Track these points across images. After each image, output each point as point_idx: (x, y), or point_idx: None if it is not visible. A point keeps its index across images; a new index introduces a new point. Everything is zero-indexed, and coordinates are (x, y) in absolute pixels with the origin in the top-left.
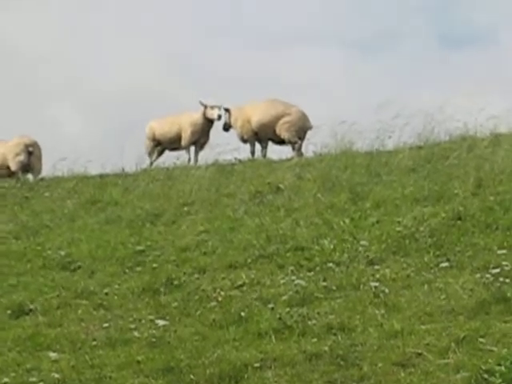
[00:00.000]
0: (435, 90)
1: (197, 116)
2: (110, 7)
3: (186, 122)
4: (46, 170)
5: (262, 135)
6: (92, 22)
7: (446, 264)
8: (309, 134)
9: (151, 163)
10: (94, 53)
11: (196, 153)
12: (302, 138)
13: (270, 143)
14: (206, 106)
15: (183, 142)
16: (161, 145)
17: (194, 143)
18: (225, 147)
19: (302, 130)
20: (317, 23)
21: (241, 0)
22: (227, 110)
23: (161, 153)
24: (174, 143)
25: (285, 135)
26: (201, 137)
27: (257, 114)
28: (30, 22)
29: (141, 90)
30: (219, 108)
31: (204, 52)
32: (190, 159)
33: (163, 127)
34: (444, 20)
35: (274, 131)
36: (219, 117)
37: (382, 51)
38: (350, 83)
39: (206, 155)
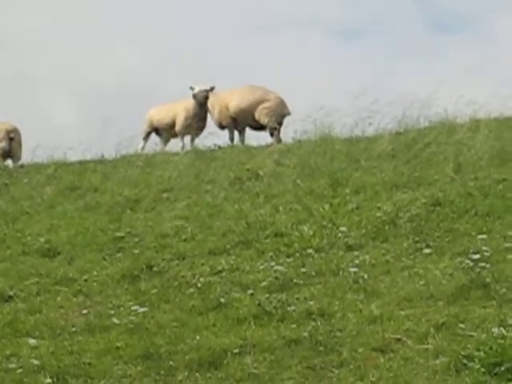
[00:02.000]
0: (419, 77)
1: (191, 102)
2: None
3: (180, 107)
4: (25, 156)
5: (241, 121)
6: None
7: (425, 250)
8: (288, 120)
9: (142, 148)
10: (89, 41)
11: (192, 139)
12: (280, 124)
13: (248, 129)
14: (193, 89)
15: (177, 128)
16: (158, 132)
17: (187, 129)
18: (204, 134)
19: (280, 116)
20: (299, 9)
21: None
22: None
23: (167, 141)
24: (170, 129)
25: (264, 120)
26: (194, 122)
27: (235, 100)
28: (27, 9)
29: (130, 81)
30: (198, 88)
31: (190, 39)
32: (183, 146)
33: (160, 113)
34: (432, 7)
35: (253, 117)
36: (194, 96)
37: (364, 38)
38: (330, 70)
39: (186, 142)
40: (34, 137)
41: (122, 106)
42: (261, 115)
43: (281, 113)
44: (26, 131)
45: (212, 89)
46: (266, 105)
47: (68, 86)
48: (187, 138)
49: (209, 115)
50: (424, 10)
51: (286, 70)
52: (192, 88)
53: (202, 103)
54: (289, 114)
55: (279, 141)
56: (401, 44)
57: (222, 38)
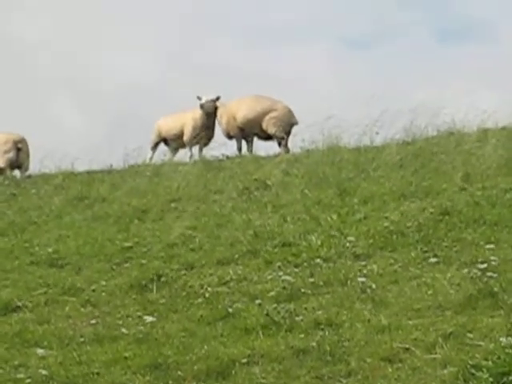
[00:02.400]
0: (427, 86)
1: (199, 112)
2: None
3: (188, 117)
4: (33, 167)
5: (248, 131)
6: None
7: (433, 259)
8: (296, 129)
9: (151, 158)
10: (95, 47)
11: (200, 149)
12: (288, 133)
13: (256, 139)
14: (200, 99)
15: (185, 138)
16: (167, 142)
17: (196, 139)
18: (212, 143)
19: (288, 125)
20: (305, 19)
21: None
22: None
23: (175, 151)
24: (178, 140)
25: (272, 130)
26: (202, 132)
27: (242, 110)
28: (33, 12)
29: (140, 87)
30: (205, 98)
31: (196, 50)
32: (191, 156)
33: (168, 124)
34: (439, 16)
35: (260, 127)
36: (201, 106)
37: (372, 47)
38: (338, 79)
39: (194, 152)
40: (40, 141)
41: (130, 111)
42: (268, 125)
43: (288, 122)
44: (32, 137)
45: (218, 98)
46: (273, 114)
47: (73, 91)
48: (195, 148)
49: (217, 125)
50: (433, 17)
51: (294, 80)
52: (199, 98)
53: (209, 113)
54: (296, 123)
55: (287, 150)
56: (410, 52)
57: (227, 47)
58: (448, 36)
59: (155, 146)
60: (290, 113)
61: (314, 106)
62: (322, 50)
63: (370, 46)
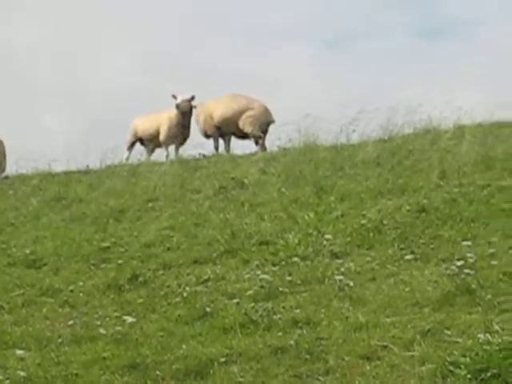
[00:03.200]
0: (409, 85)
1: (175, 111)
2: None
3: (164, 117)
4: (10, 168)
5: (225, 130)
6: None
7: (410, 256)
8: (274, 128)
9: (127, 158)
10: (84, 52)
11: (176, 149)
12: (265, 132)
13: (233, 138)
14: (175, 98)
15: (161, 137)
16: (143, 142)
17: (172, 138)
18: (189, 143)
19: (264, 124)
20: (291, 20)
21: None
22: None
23: (151, 151)
24: (154, 139)
25: (248, 129)
26: (178, 131)
27: (219, 109)
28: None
29: (129, 90)
30: (181, 97)
31: (186, 51)
32: (167, 156)
33: (144, 123)
34: (422, 15)
35: (237, 125)
36: (177, 106)
37: (355, 47)
38: (321, 79)
39: (171, 151)
40: (18, 142)
41: (108, 114)
42: (245, 124)
43: (265, 121)
44: (10, 138)
45: (193, 98)
46: (249, 113)
47: (54, 91)
48: (172, 148)
49: (194, 124)
50: (417, 17)
51: (277, 80)
52: (174, 97)
53: (185, 112)
54: (273, 121)
55: (264, 149)
56: (393, 52)
57: (215, 48)
58: (431, 35)
59: (131, 145)
60: (266, 111)
61: (294, 106)
62: (305, 50)
63: (351, 45)
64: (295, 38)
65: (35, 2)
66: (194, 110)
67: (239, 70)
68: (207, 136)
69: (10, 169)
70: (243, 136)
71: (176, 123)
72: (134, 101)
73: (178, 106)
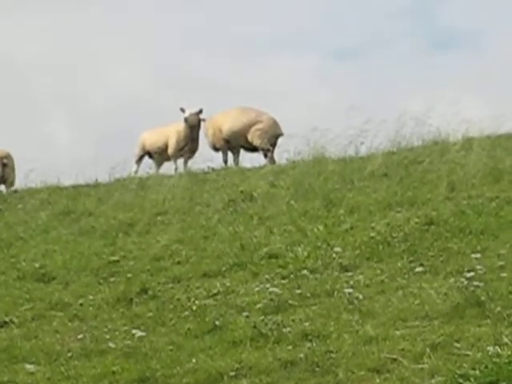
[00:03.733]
0: (415, 96)
1: (183, 125)
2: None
3: (172, 130)
4: (19, 182)
5: (234, 143)
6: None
7: (419, 269)
8: (282, 141)
9: (136, 171)
10: (85, 65)
11: (185, 162)
12: (273, 144)
13: (242, 151)
14: (183, 111)
15: (169, 151)
16: (151, 155)
17: (180, 151)
18: (198, 157)
19: (273, 137)
20: (293, 31)
21: (216, 10)
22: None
23: (160, 164)
24: (162, 153)
25: (257, 142)
26: (186, 144)
27: (228, 122)
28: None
29: (132, 102)
30: (189, 110)
31: (187, 62)
32: (176, 169)
33: (152, 137)
34: (426, 26)
35: (246, 138)
36: (185, 120)
37: (360, 58)
38: (326, 90)
39: (179, 164)
40: (27, 156)
41: (117, 125)
42: (253, 137)
43: (274, 133)
44: (20, 152)
45: (201, 111)
46: (258, 126)
47: (63, 105)
48: (180, 161)
49: (202, 137)
50: (421, 28)
51: (282, 92)
52: (182, 110)
53: (193, 126)
54: (282, 134)
55: (273, 162)
56: (398, 62)
57: (214, 59)
58: (436, 46)
59: (140, 159)
60: (275, 124)
61: (301, 118)
62: (310, 61)
63: (358, 56)
64: (299, 50)
65: (36, 16)
66: (202, 124)
67: (243, 81)
68: (216, 149)
69: (20, 183)
70: (252, 149)
71: (184, 136)
72: (139, 113)
73: (186, 120)
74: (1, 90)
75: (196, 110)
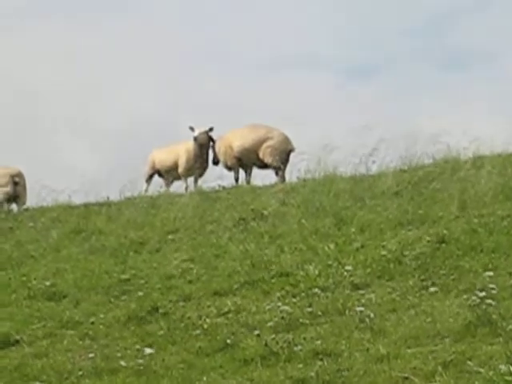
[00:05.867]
0: (426, 114)
1: (192, 143)
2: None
3: (181, 149)
4: (30, 200)
5: (245, 160)
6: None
7: (431, 287)
8: (293, 159)
9: (146, 190)
10: (96, 86)
11: (195, 180)
12: (285, 160)
13: (255, 168)
14: (193, 130)
15: (179, 170)
16: (161, 174)
17: (190, 170)
18: (209, 175)
19: (284, 152)
20: (305, 50)
21: (227, 27)
22: (214, 142)
23: (170, 183)
24: (171, 172)
25: (268, 160)
26: (196, 163)
27: (238, 140)
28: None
29: (145, 122)
30: (198, 129)
31: (199, 80)
32: (186, 188)
33: (162, 156)
34: (438, 44)
35: (257, 156)
36: (195, 139)
37: (372, 76)
38: (339, 108)
39: (190, 183)
40: (38, 175)
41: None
42: (265, 154)
43: (285, 150)
44: (34, 175)
45: (211, 129)
46: (269, 143)
47: (79, 129)
48: (191, 180)
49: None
50: (433, 46)
51: (293, 109)
52: (192, 129)
53: (202, 144)
54: (293, 150)
55: (283, 179)
56: (410, 80)
57: (228, 78)
58: (448, 65)
59: (150, 177)
60: (286, 140)
61: (314, 137)
62: (322, 80)
63: (371, 75)
64: (312, 68)
65: (47, 38)
66: (215, 142)
67: (256, 100)
68: (229, 168)
69: (31, 201)
70: (264, 166)
71: (194, 155)
72: (152, 132)
73: (195, 139)
74: (15, 113)
75: (205, 128)
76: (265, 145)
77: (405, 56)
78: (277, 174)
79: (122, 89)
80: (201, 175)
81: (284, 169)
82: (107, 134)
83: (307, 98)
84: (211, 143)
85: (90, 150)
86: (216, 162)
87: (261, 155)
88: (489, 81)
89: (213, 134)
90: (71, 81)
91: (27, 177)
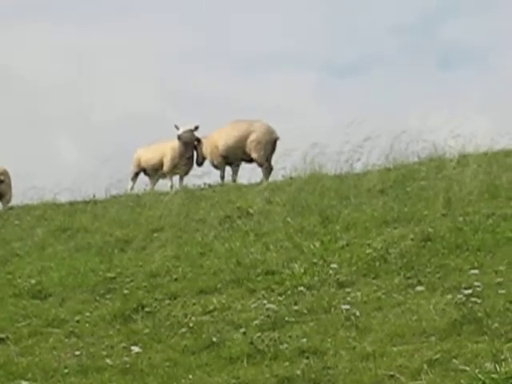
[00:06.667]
0: (414, 111)
1: (177, 142)
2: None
3: (167, 147)
4: (15, 198)
5: (232, 158)
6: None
7: (416, 285)
8: (278, 157)
9: (131, 188)
10: (89, 82)
11: (180, 179)
12: (271, 151)
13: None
14: (177, 128)
15: (164, 168)
16: (146, 172)
17: (175, 169)
18: (193, 173)
19: (269, 143)
20: (292, 46)
21: (216, 26)
22: (199, 141)
23: (156, 181)
24: (157, 170)
25: (254, 156)
26: (181, 162)
27: (222, 139)
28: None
29: (136, 117)
30: (183, 128)
31: (188, 80)
32: (171, 186)
33: (147, 154)
34: (428, 41)
35: (243, 151)
36: (179, 137)
37: (360, 74)
38: (325, 107)
39: (175, 181)
40: (32, 172)
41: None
42: (251, 150)
43: (269, 139)
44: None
45: (197, 128)
46: (252, 137)
47: (67, 124)
48: (176, 178)
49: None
50: (422, 43)
51: (280, 109)
52: (177, 127)
53: (187, 143)
54: (277, 138)
55: (270, 170)
56: (400, 79)
57: (214, 77)
58: (439, 62)
59: (135, 176)
60: (268, 129)
61: (300, 135)
62: (309, 77)
63: (359, 73)
64: (299, 66)
65: (43, 33)
66: (200, 141)
67: (242, 98)
68: (215, 166)
69: (16, 199)
70: (251, 160)
71: (179, 154)
72: (142, 130)
73: (179, 137)
74: (7, 107)
75: (190, 127)
76: (249, 140)
77: (392, 53)
78: (261, 166)
79: (114, 86)
80: (186, 173)
81: (270, 159)
82: (96, 128)
83: (293, 95)
84: (196, 142)
85: (80, 144)
86: (200, 163)
87: (248, 151)
88: (476, 79)
89: (198, 134)
90: (67, 77)
91: (13, 174)
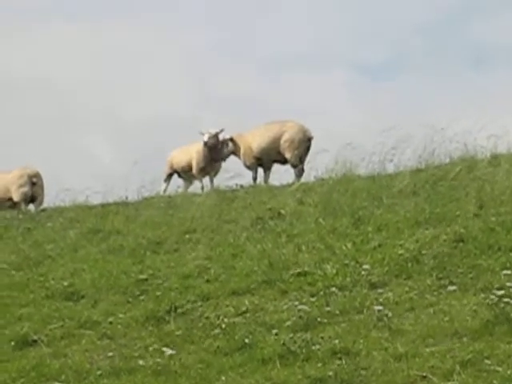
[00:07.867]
0: (446, 113)
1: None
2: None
3: (193, 150)
4: (48, 200)
5: (266, 159)
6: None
7: (449, 286)
8: (311, 157)
9: (164, 190)
10: (122, 82)
11: (211, 180)
12: (307, 149)
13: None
14: (203, 134)
15: (193, 170)
16: (179, 174)
17: (202, 171)
18: (225, 174)
19: (303, 141)
20: (321, 48)
21: (244, 27)
22: (231, 140)
23: (189, 182)
24: (187, 172)
25: (288, 156)
26: (207, 164)
27: (256, 140)
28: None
29: (170, 119)
30: (207, 133)
31: (218, 78)
32: (202, 187)
33: (178, 156)
34: (457, 42)
35: (277, 152)
36: (205, 143)
37: (392, 75)
38: (357, 107)
39: (206, 182)
40: (58, 174)
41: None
42: (285, 150)
43: (303, 138)
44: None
45: (222, 131)
46: (285, 137)
47: (102, 126)
48: (207, 179)
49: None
50: (451, 44)
51: (311, 109)
52: (202, 134)
53: (212, 148)
54: (311, 137)
55: (302, 171)
56: (429, 79)
57: (247, 76)
58: (471, 62)
59: (168, 177)
60: (301, 128)
61: (332, 135)
62: (339, 78)
63: (388, 71)
64: (324, 66)
65: (71, 34)
66: (235, 143)
67: (274, 99)
68: (247, 167)
69: (48, 201)
70: (285, 161)
71: (204, 157)
72: (178, 132)
73: (205, 144)
74: (40, 110)
75: (215, 131)
76: (282, 140)
77: (420, 52)
78: (294, 167)
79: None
80: (215, 175)
81: (304, 159)
82: (129, 128)
83: (324, 97)
84: (229, 144)
85: (115, 146)
86: (223, 158)
87: (282, 151)
88: (507, 79)
89: (233, 131)
90: (96, 79)
91: (46, 176)
